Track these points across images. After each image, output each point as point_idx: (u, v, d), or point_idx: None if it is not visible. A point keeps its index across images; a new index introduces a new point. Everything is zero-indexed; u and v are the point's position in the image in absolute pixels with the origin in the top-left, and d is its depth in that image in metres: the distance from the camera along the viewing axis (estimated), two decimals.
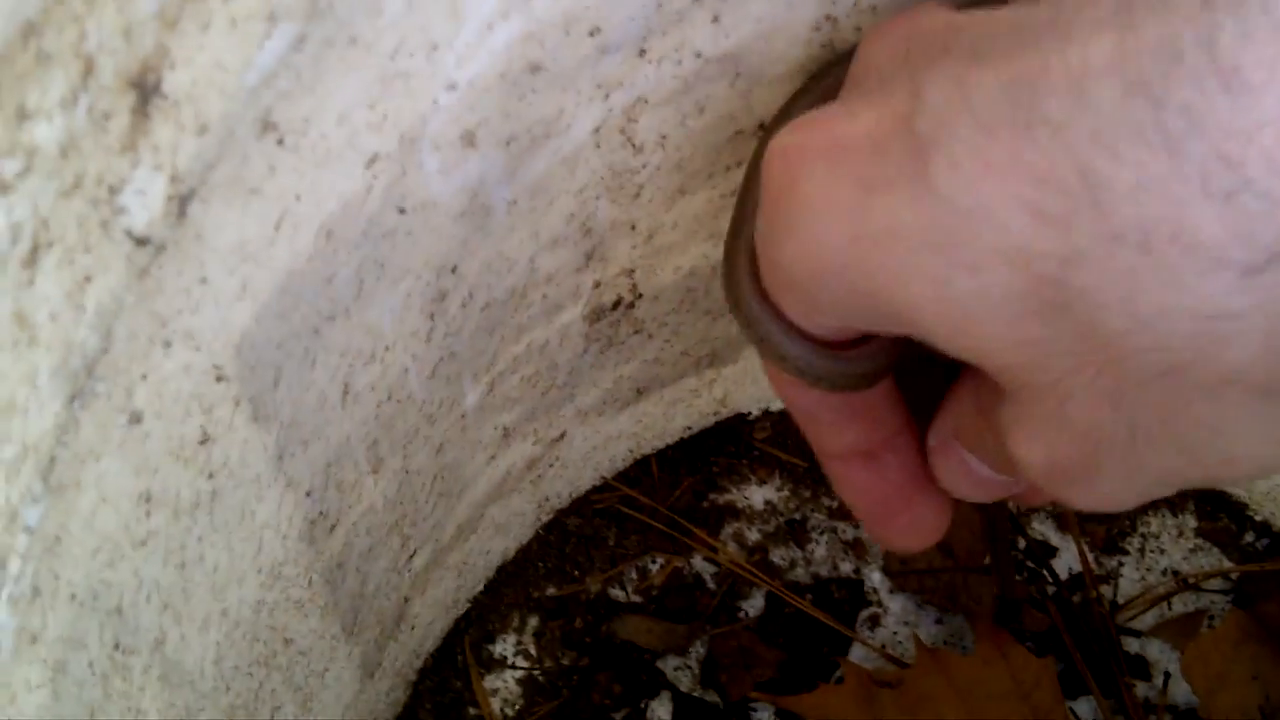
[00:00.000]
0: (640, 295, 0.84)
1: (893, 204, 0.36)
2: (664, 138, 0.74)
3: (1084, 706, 0.97)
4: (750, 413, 1.08)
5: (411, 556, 0.84)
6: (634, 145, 0.73)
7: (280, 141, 0.52)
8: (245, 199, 0.52)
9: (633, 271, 0.82)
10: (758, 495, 1.05)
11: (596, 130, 0.70)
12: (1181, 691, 0.98)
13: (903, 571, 1.01)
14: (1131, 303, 0.32)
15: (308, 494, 0.67)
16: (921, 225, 0.35)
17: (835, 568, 1.02)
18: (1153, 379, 0.33)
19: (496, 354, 0.78)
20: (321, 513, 0.69)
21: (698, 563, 1.02)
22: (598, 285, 0.81)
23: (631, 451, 1.04)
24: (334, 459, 0.68)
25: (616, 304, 0.84)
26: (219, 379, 0.54)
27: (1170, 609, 1.03)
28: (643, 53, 0.68)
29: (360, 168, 0.57)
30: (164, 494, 0.54)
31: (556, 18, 0.62)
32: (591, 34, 0.64)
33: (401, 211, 0.61)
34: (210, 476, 0.57)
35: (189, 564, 0.58)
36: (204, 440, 0.55)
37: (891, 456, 0.51)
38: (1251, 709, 0.97)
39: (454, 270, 0.68)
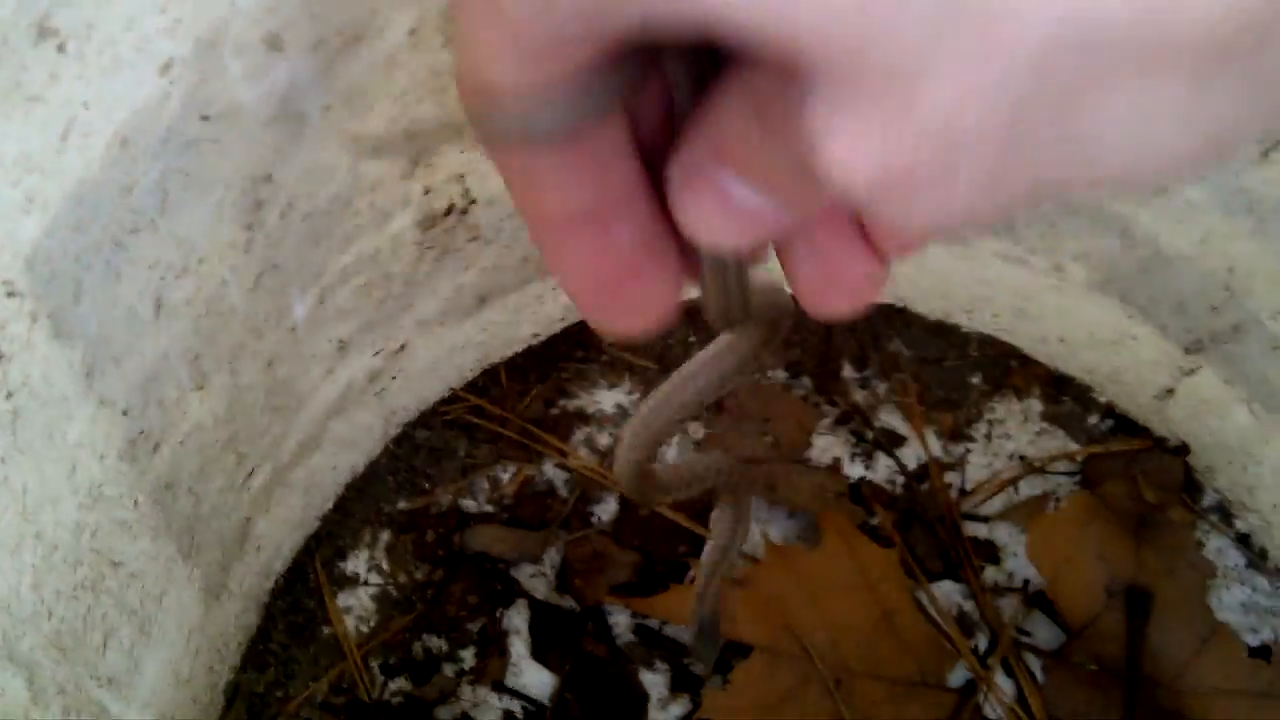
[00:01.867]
0: (474, 201, 0.83)
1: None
2: None
3: (940, 589, 0.99)
4: None
5: (250, 475, 0.82)
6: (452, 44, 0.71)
7: (61, 47, 0.50)
8: (26, 108, 0.50)
9: (464, 177, 0.81)
10: (608, 399, 1.05)
11: (413, 31, 0.68)
12: (1031, 573, 1.00)
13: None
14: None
15: (124, 412, 0.65)
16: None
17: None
18: (1065, 53, 0.26)
19: (324, 265, 0.76)
20: (142, 431, 0.67)
21: (549, 470, 1.02)
22: (428, 191, 0.79)
23: (479, 361, 1.03)
24: (152, 376, 0.66)
25: (449, 210, 0.82)
26: (10, 294, 0.53)
27: (1017, 493, 1.05)
28: None
29: (154, 74, 0.55)
30: None
31: None
32: None
33: (205, 119, 0.59)
34: (9, 396, 0.55)
35: None
36: None
37: (621, 223, 0.40)
38: (1097, 587, 0.99)
39: (269, 179, 0.67)
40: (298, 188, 0.69)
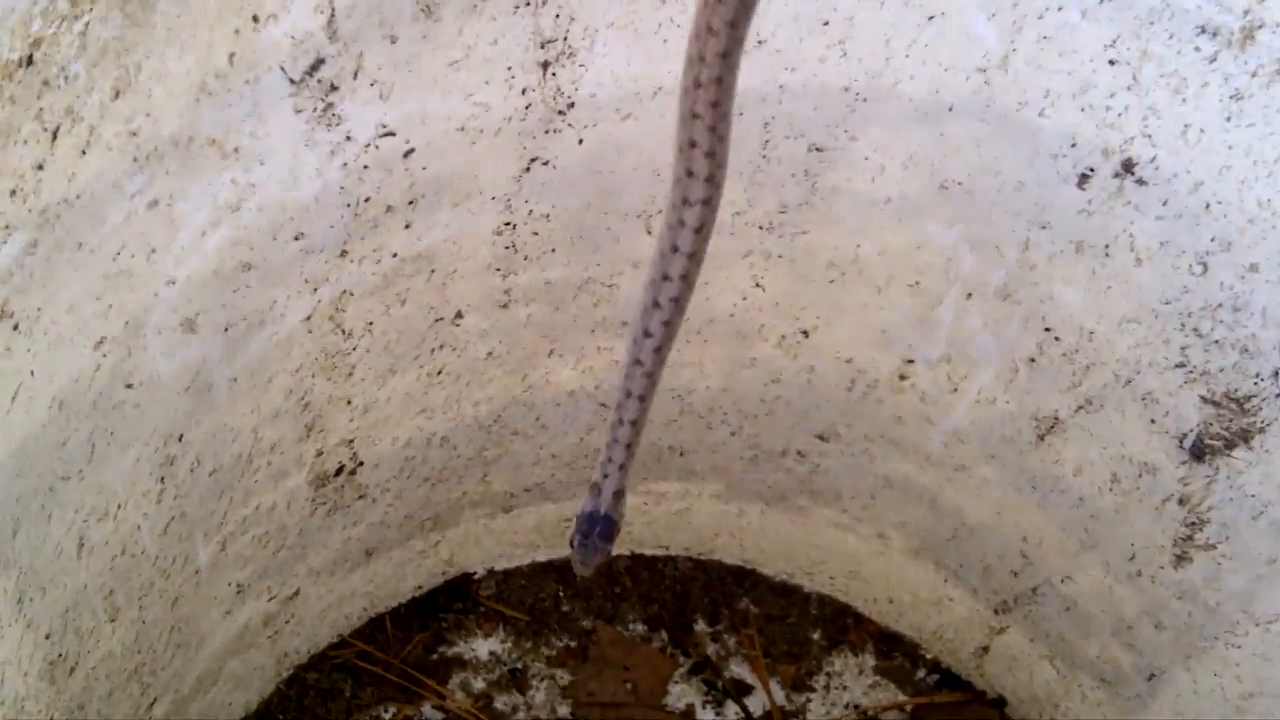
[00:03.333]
0: (361, 463, 0.96)
1: None
2: (370, 324, 0.87)
3: None
4: (476, 572, 1.19)
5: (152, 704, 0.92)
6: (344, 331, 0.86)
7: (16, 327, 0.63)
8: None
9: (352, 441, 0.94)
10: (483, 647, 1.16)
11: (308, 318, 0.83)
12: None
13: (588, 702, 1.13)
14: None
15: (47, 636, 0.76)
16: None
17: (553, 710, 1.13)
18: None
19: (226, 515, 0.88)
20: (61, 654, 0.78)
21: (428, 710, 1.12)
22: (320, 454, 0.92)
23: (366, 610, 1.14)
24: (72, 605, 0.77)
25: (339, 471, 0.95)
26: None
27: None
28: (345, 254, 0.81)
29: (89, 349, 0.69)
30: None
31: (264, 225, 0.75)
32: (296, 238, 0.77)
33: (129, 387, 0.73)
34: None
35: None
36: None
37: None
38: None
39: (181, 438, 0.79)
40: (206, 447, 0.82)
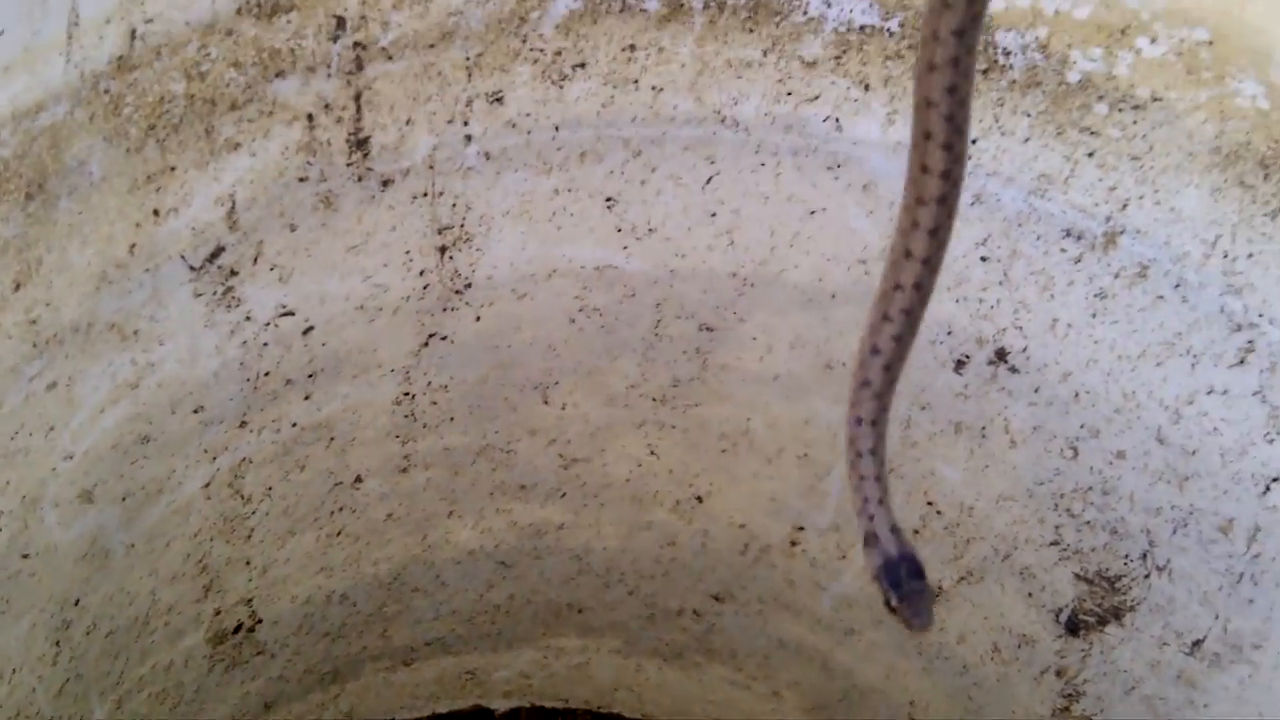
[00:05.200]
0: (260, 620, 0.98)
1: None
2: (270, 489, 0.90)
3: None
4: None
5: None
6: (243, 496, 0.88)
7: None
8: None
9: (251, 600, 0.96)
10: None
11: (206, 485, 0.85)
12: None
13: None
14: None
15: None
16: None
17: None
18: None
19: (123, 674, 0.90)
20: None
21: None
22: (218, 613, 0.94)
23: None
24: None
25: (238, 628, 0.97)
26: None
27: None
28: (244, 424, 0.84)
29: None
30: None
31: (163, 400, 0.78)
32: (195, 411, 0.80)
33: (25, 557, 0.75)
34: None
35: None
36: None
37: None
38: None
39: (77, 603, 0.81)
40: (102, 610, 0.84)
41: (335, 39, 0.73)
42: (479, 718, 1.22)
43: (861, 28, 0.79)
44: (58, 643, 0.82)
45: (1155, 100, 0.76)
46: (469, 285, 0.87)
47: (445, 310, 0.87)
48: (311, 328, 0.82)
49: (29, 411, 0.69)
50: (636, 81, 0.80)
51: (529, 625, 1.14)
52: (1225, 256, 0.77)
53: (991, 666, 1.02)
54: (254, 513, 0.90)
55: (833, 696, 1.12)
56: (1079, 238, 0.82)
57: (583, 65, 0.79)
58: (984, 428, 0.91)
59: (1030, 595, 0.96)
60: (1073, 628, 0.97)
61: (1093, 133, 0.78)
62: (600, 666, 1.20)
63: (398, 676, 1.16)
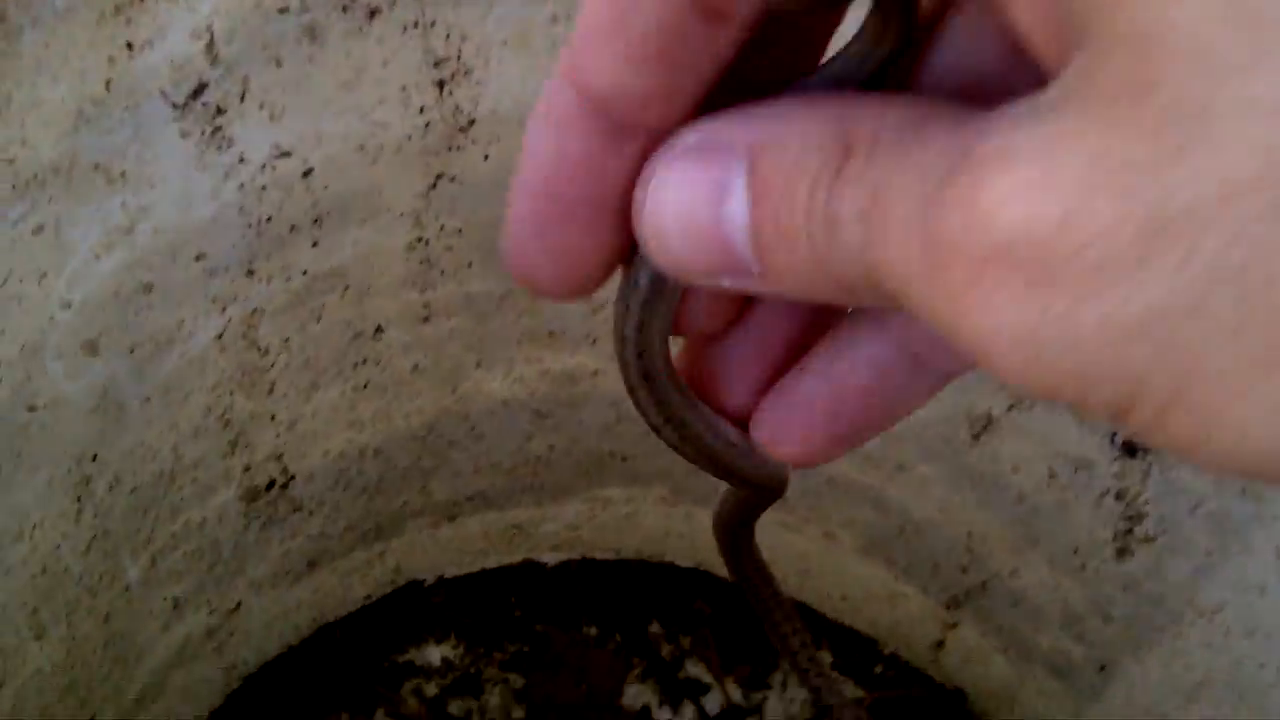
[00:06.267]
0: (293, 477, 0.98)
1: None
2: (287, 341, 0.88)
3: None
4: (425, 580, 1.20)
5: (91, 719, 0.94)
6: (259, 348, 0.87)
7: None
8: None
9: (281, 456, 0.95)
10: (435, 654, 1.17)
11: (219, 337, 0.84)
12: None
13: (544, 705, 1.14)
14: None
15: None
16: None
17: (508, 714, 1.14)
18: None
19: (154, 532, 0.90)
20: None
21: (380, 717, 1.13)
22: (248, 469, 0.94)
23: (315, 619, 1.15)
24: None
25: (270, 485, 0.96)
26: None
27: None
28: (251, 273, 0.82)
29: None
30: None
31: (161, 246, 0.76)
32: (198, 259, 0.79)
33: (31, 409, 0.74)
34: None
35: None
36: None
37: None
38: None
39: (95, 458, 0.81)
40: (123, 465, 0.83)
41: None
42: (530, 572, 1.21)
43: None
44: (79, 499, 0.82)
45: None
46: (472, 122, 0.84)
47: (450, 149, 0.84)
48: (311, 170, 0.80)
49: (18, 256, 0.68)
50: None
51: (572, 476, 1.13)
52: None
53: (1049, 493, 0.99)
54: (273, 365, 0.89)
55: (888, 533, 1.10)
56: None
57: None
58: None
59: (1082, 419, 0.93)
60: (1129, 449, 0.94)
61: None
62: (649, 515, 1.19)
63: (442, 532, 1.15)
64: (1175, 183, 0.19)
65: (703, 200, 0.27)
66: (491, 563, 1.21)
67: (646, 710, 1.16)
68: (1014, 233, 0.21)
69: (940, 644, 1.16)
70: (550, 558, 1.22)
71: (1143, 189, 0.19)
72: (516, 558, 1.21)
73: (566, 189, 0.30)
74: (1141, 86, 0.19)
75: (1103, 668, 1.03)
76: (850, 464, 1.06)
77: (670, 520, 1.19)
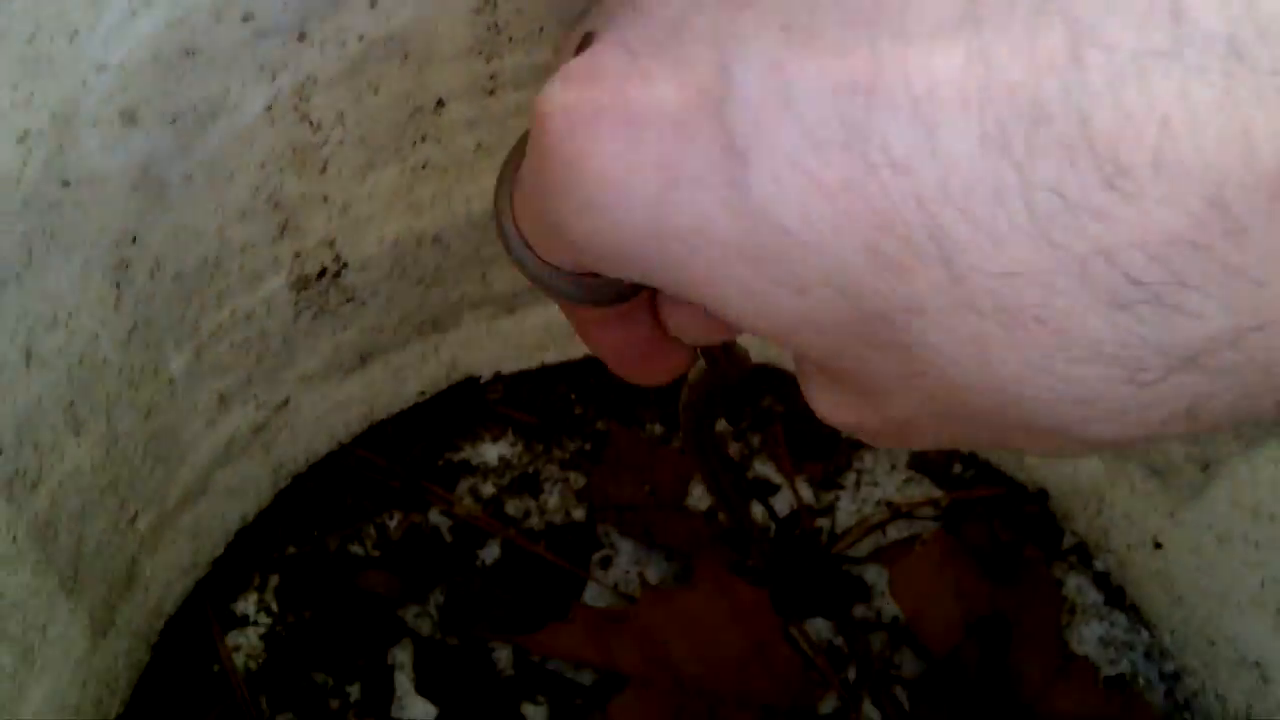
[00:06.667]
0: (346, 264, 0.90)
1: (703, 204, 0.31)
2: (341, 115, 0.80)
3: (811, 625, 1.06)
4: (482, 375, 1.14)
5: (134, 519, 0.88)
6: (311, 122, 0.79)
7: None
8: None
9: (333, 242, 0.88)
10: (492, 452, 1.12)
11: (269, 108, 0.76)
12: (898, 609, 1.07)
13: (605, 505, 1.09)
14: (986, 367, 0.28)
15: (0, 451, 0.71)
16: (738, 235, 0.30)
17: (568, 514, 1.09)
18: (990, 418, 0.31)
19: (199, 321, 0.83)
20: (19, 470, 0.74)
21: (435, 517, 1.08)
22: (298, 255, 0.86)
23: (366, 416, 1.09)
24: (25, 420, 0.72)
25: (322, 273, 0.89)
26: None
27: (885, 536, 1.11)
28: (303, 36, 0.74)
29: (12, 144, 0.62)
30: None
31: (205, 4, 0.67)
32: (245, 19, 0.70)
33: (65, 184, 0.66)
34: None
35: None
36: None
37: (643, 314, 0.48)
38: (957, 621, 1.06)
39: (134, 241, 0.74)
40: (164, 249, 0.76)
41: None
42: (591, 367, 1.15)
43: None
44: (118, 285, 0.75)
45: None
46: None
47: None
48: None
49: (45, 10, 0.59)
50: None
51: None
52: None
53: None
54: (326, 142, 0.80)
55: None
56: None
57: None
58: None
59: None
60: None
61: None
62: None
63: (501, 325, 1.08)
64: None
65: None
66: (551, 358, 1.15)
67: (713, 511, 1.10)
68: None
69: None
70: None
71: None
72: (579, 353, 1.14)
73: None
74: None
75: (1206, 466, 0.97)
76: None
77: None
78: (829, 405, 0.38)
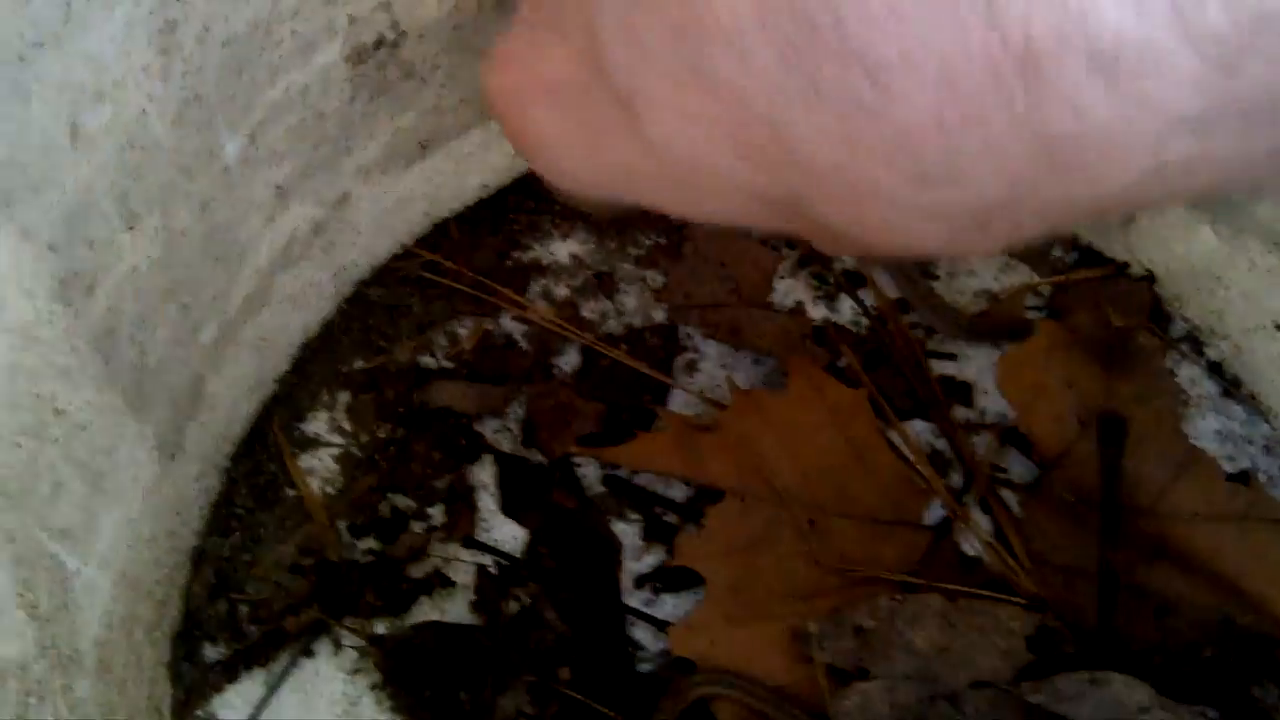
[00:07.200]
0: (403, 33, 0.81)
1: (623, 148, 0.34)
2: None
3: (911, 428, 0.98)
4: None
5: (197, 329, 0.81)
6: None
7: None
8: None
9: (390, 5, 0.78)
10: (562, 250, 1.04)
11: None
12: (1002, 409, 0.99)
13: (685, 305, 1.01)
14: (859, 224, 0.32)
15: (51, 247, 0.63)
16: (657, 169, 0.34)
17: (648, 316, 1.01)
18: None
19: (251, 99, 0.74)
20: (74, 271, 0.66)
21: (507, 323, 1.00)
22: (353, 21, 0.77)
23: (427, 215, 1.01)
24: (77, 210, 0.64)
25: (379, 43, 0.80)
26: None
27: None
28: None
29: None
30: None
31: None
32: None
33: None
34: None
35: None
36: None
37: None
38: (1069, 417, 0.98)
39: None
40: (211, 9, 0.67)
41: None
42: None
43: None
44: (164, 51, 0.66)
45: None
46: None
47: None
48: None
49: None
50: None
51: None
52: None
53: None
54: None
55: None
56: None
57: None
58: None
59: None
60: None
61: None
62: None
63: None
64: None
65: None
66: None
67: (800, 307, 1.03)
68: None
69: (1131, 219, 1.02)
70: None
71: None
72: None
73: None
74: None
75: None
76: None
77: None
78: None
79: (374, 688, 0.88)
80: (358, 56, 0.79)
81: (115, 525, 0.77)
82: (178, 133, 0.70)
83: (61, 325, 0.66)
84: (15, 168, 0.59)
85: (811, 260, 1.05)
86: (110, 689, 0.77)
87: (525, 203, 1.04)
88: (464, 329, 0.99)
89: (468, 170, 0.99)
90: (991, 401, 1.00)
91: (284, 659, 0.88)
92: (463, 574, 0.91)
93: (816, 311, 1.03)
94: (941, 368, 1.01)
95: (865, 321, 1.03)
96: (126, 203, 0.68)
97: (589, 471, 0.96)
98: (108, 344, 0.71)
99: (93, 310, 0.69)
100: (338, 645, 0.89)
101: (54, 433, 0.69)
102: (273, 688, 0.87)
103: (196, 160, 0.72)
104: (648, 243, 1.04)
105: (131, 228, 0.69)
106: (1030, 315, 1.04)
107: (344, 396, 0.97)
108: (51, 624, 0.70)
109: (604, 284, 1.02)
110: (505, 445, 0.96)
